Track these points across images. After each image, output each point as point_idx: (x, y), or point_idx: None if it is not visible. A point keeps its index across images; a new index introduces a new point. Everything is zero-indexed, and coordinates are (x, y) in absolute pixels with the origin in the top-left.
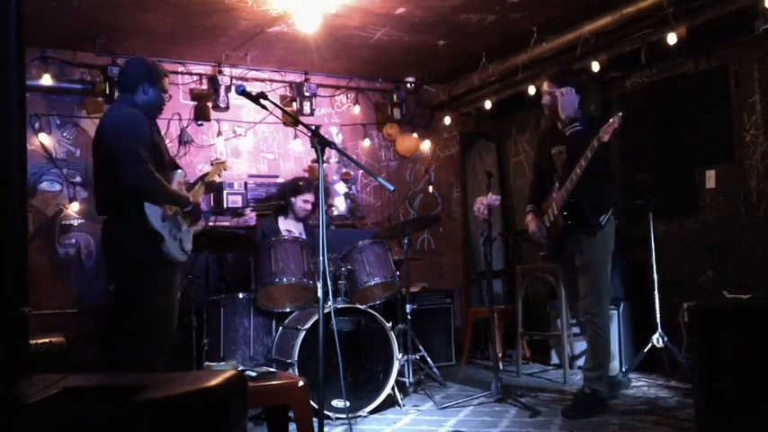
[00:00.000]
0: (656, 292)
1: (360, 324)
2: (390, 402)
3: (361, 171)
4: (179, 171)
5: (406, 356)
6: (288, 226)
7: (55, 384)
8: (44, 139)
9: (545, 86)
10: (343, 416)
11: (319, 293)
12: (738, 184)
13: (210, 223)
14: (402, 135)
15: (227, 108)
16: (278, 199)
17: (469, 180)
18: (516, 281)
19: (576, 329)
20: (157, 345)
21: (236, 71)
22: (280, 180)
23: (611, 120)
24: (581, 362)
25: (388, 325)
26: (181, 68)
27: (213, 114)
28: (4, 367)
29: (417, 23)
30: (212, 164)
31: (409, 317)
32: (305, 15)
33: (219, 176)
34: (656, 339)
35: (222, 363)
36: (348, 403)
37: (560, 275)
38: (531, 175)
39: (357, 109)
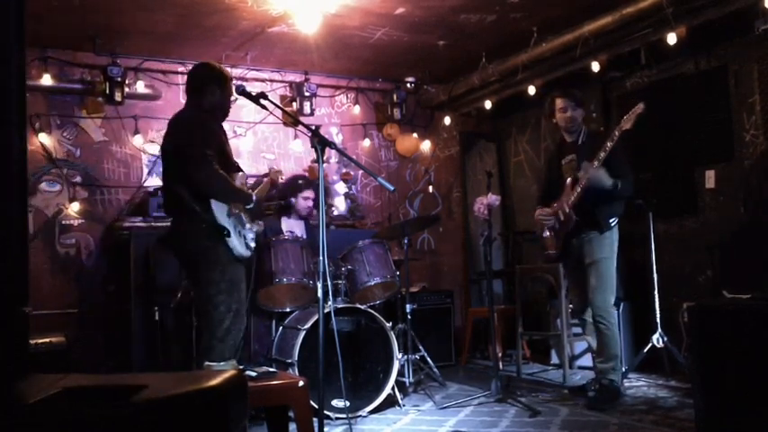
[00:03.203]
0: (655, 292)
1: (360, 324)
2: (390, 402)
3: (361, 171)
4: (241, 173)
5: (406, 356)
6: (290, 226)
7: (55, 384)
8: (44, 139)
9: (560, 102)
10: (343, 416)
11: (319, 293)
12: (738, 184)
13: None
14: (402, 135)
15: None
16: (279, 199)
17: (469, 180)
18: (516, 281)
19: (576, 329)
20: (230, 341)
21: (237, 71)
22: (280, 180)
23: (634, 108)
24: (581, 362)
25: (388, 325)
26: (181, 68)
27: None
28: (4, 367)
29: (417, 23)
30: (269, 172)
31: (409, 317)
32: (305, 15)
33: (275, 185)
34: (656, 339)
35: (222, 363)
36: (348, 403)
37: (566, 275)
38: (540, 191)
39: (357, 109)
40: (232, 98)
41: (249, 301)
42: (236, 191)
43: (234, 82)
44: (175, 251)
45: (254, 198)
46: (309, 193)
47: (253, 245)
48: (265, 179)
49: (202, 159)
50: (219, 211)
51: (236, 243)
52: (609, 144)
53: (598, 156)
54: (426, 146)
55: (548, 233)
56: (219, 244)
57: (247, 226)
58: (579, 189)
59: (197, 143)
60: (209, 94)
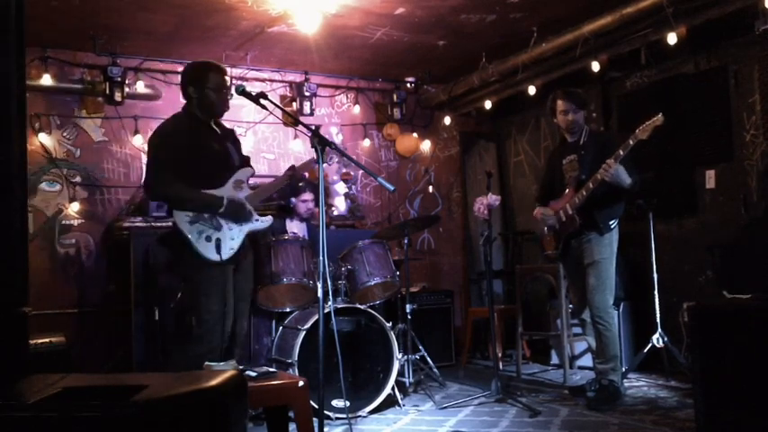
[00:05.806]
0: (655, 292)
1: (360, 324)
2: (390, 402)
3: (361, 171)
4: (243, 170)
5: (406, 356)
6: (293, 228)
7: (55, 384)
8: (44, 139)
9: (560, 105)
10: (343, 416)
11: (319, 293)
12: (738, 184)
13: None
14: (402, 135)
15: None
16: (279, 200)
17: (469, 180)
18: (516, 281)
19: (576, 329)
20: (203, 344)
21: (236, 71)
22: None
23: (653, 119)
24: (581, 362)
25: (388, 325)
26: (181, 68)
27: None
28: (4, 367)
29: (417, 23)
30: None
31: (409, 317)
32: (305, 15)
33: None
34: (656, 339)
35: (222, 363)
36: (348, 403)
37: (566, 275)
38: (539, 189)
39: (357, 109)
40: (227, 94)
41: (254, 301)
42: (190, 199)
43: (231, 78)
44: None
45: (224, 203)
46: (308, 196)
47: (231, 247)
48: (274, 179)
49: (150, 167)
50: (180, 216)
51: (200, 248)
52: (621, 152)
53: (616, 154)
54: (426, 146)
55: (547, 233)
56: (186, 248)
57: (225, 228)
58: (585, 192)
59: (150, 151)
60: (191, 96)
